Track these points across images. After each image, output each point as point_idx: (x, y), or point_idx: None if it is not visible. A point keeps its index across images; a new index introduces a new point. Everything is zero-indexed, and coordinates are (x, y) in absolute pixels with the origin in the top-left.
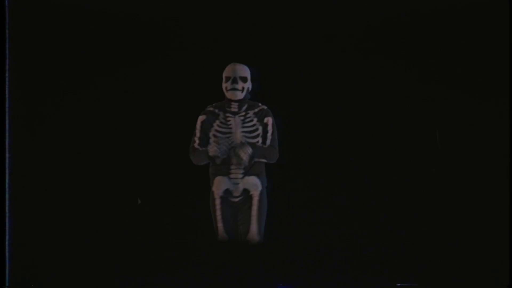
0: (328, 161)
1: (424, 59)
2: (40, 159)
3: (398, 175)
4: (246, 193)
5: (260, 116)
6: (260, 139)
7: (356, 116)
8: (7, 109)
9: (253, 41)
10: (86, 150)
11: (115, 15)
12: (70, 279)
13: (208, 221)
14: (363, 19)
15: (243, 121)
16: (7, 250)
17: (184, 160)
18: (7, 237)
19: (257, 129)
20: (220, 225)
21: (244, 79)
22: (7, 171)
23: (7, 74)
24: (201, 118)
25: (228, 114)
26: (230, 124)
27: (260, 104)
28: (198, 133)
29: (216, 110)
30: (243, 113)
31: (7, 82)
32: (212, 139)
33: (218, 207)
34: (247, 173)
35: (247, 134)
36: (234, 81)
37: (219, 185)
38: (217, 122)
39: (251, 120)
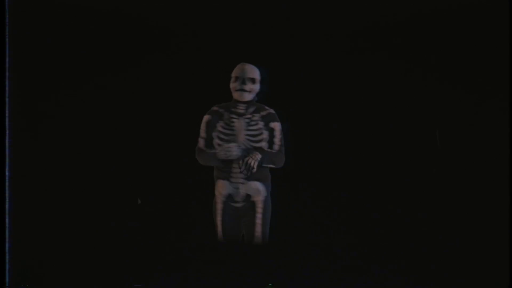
0: (328, 161)
1: (424, 59)
2: (40, 159)
3: (398, 175)
4: (248, 198)
5: (267, 120)
6: (264, 144)
7: (356, 116)
8: (7, 109)
9: (254, 41)
10: (86, 150)
11: (115, 15)
12: (70, 279)
13: (208, 221)
14: (362, 19)
15: (248, 124)
16: (7, 250)
17: (184, 160)
18: (7, 237)
19: (261, 133)
20: (219, 229)
21: (253, 80)
22: (7, 171)
23: (7, 74)
24: (206, 118)
25: (233, 116)
26: (234, 126)
27: (267, 107)
28: (203, 134)
29: (222, 110)
30: (249, 116)
31: (7, 82)
32: (216, 140)
33: (219, 212)
34: (249, 178)
35: (250, 138)
36: (243, 82)
37: (221, 189)
38: (221, 123)
39: (257, 124)
